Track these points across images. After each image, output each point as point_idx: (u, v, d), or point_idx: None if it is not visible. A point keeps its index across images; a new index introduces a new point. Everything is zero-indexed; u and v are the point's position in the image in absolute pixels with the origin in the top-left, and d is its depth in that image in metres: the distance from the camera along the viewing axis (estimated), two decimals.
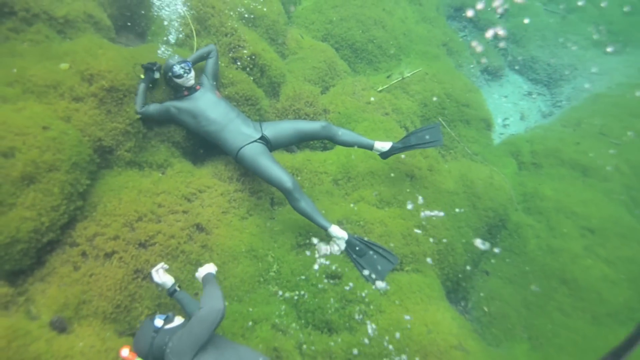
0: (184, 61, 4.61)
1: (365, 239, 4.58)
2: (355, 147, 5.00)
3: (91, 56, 4.34)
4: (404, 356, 3.95)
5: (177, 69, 4.56)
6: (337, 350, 3.95)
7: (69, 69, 4.27)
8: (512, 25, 10.37)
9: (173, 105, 4.67)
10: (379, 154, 5.02)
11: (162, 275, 3.56)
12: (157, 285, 3.63)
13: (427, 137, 4.91)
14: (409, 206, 4.99)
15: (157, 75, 4.67)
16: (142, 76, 4.62)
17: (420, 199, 5.05)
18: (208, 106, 4.69)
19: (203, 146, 5.14)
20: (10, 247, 3.40)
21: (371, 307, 4.23)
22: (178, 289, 3.61)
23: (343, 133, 4.86)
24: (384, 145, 4.91)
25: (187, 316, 3.43)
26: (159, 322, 3.08)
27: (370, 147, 4.92)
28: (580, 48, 9.95)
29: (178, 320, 3.20)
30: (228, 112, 4.74)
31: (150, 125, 4.69)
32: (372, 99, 6.12)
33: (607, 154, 6.94)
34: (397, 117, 6.18)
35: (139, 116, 4.48)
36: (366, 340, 3.99)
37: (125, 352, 2.87)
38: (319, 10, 7.35)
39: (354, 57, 7.23)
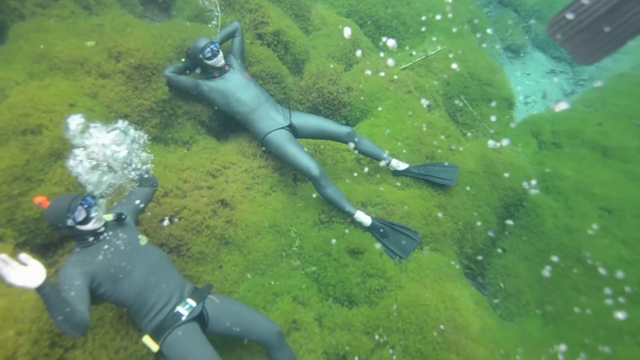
0: (212, 42, 4.52)
1: (389, 220, 4.56)
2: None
3: (119, 34, 4.28)
4: (441, 326, 3.98)
5: (207, 50, 4.49)
6: (356, 323, 3.94)
7: (95, 46, 4.23)
8: (537, 1, 10.05)
9: (206, 83, 4.62)
10: (392, 170, 4.98)
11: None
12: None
13: (443, 174, 4.93)
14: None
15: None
16: (183, 60, 4.62)
17: None
18: (238, 88, 4.64)
19: (229, 125, 5.09)
20: (40, 221, 3.44)
21: (391, 282, 4.22)
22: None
23: (364, 143, 4.80)
24: (399, 164, 4.90)
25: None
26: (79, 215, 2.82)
27: (387, 163, 4.89)
28: None
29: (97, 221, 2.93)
30: (258, 94, 4.69)
31: (180, 104, 4.64)
32: (395, 76, 5.98)
33: (629, 135, 6.76)
34: (420, 95, 6.03)
35: (166, 85, 4.45)
36: (394, 307, 4.00)
37: (39, 200, 2.80)
38: None
39: (378, 34, 7.05)
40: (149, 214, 3.86)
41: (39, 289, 2.44)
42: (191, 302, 3.21)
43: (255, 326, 3.32)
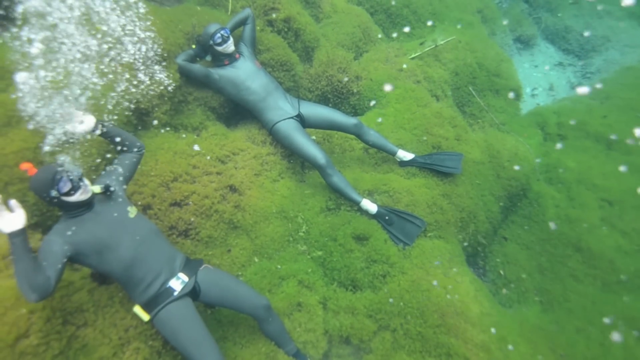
0: (222, 28, 4.47)
1: (395, 208, 4.56)
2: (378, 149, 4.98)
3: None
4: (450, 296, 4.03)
5: (217, 36, 4.44)
6: (359, 307, 3.97)
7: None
8: None
9: (216, 71, 4.59)
10: (398, 161, 4.96)
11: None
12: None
13: (448, 163, 4.91)
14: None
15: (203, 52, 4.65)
16: (193, 47, 4.58)
17: None
18: (248, 76, 4.61)
19: (239, 111, 5.06)
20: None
21: (394, 268, 4.23)
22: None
23: (371, 134, 4.78)
24: (406, 155, 4.88)
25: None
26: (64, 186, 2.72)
27: (393, 153, 4.87)
28: (614, 19, 9.46)
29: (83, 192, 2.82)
30: (268, 83, 4.67)
31: (190, 91, 4.61)
32: (404, 66, 5.91)
33: (633, 128, 6.69)
34: (429, 85, 5.96)
35: (177, 71, 4.41)
36: (391, 300, 4.01)
37: (25, 167, 2.75)
38: None
39: (388, 23, 6.94)
40: (158, 198, 3.87)
41: (11, 236, 2.49)
42: (183, 277, 3.17)
43: (242, 299, 3.31)
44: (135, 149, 3.31)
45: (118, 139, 3.20)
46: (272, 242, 4.27)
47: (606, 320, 4.54)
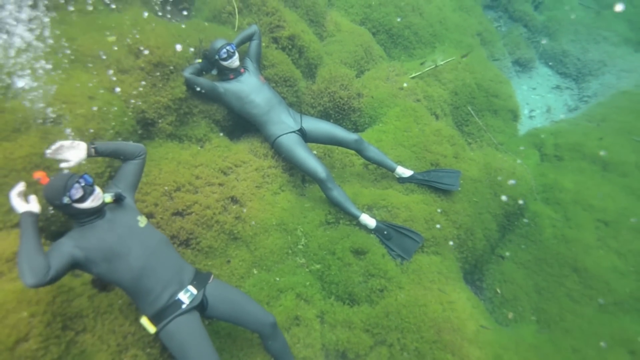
0: (229, 44, 4.54)
1: (393, 223, 4.58)
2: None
3: (139, 31, 4.30)
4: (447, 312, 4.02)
5: (223, 52, 4.51)
6: (356, 321, 3.97)
7: (116, 41, 4.24)
8: (546, 18, 10.02)
9: (222, 85, 4.65)
10: (397, 177, 5.00)
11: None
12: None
13: (446, 180, 4.95)
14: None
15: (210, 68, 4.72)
16: (200, 61, 4.64)
17: None
18: (252, 90, 4.67)
19: (242, 125, 5.10)
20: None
21: (392, 282, 4.23)
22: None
23: (371, 150, 4.83)
24: (405, 171, 4.92)
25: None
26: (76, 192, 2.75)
27: (392, 170, 4.90)
28: (611, 45, 9.58)
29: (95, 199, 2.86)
30: (271, 97, 4.73)
31: (195, 104, 4.66)
32: (404, 84, 5.98)
33: (629, 150, 6.74)
34: (428, 104, 6.02)
35: (184, 84, 4.47)
36: (385, 313, 4.00)
37: (38, 176, 2.77)
38: None
39: (390, 43, 7.04)
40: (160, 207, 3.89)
41: (23, 215, 2.62)
42: (192, 290, 3.12)
43: (250, 316, 3.26)
44: (136, 156, 3.26)
45: (115, 153, 3.18)
46: (271, 254, 4.27)
47: (602, 344, 4.55)
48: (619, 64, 9.24)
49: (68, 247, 2.75)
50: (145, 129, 4.26)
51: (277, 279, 4.08)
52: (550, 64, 9.68)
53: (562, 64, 9.54)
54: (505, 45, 9.24)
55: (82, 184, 2.78)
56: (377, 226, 4.50)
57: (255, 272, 4.17)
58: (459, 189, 4.98)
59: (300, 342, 3.74)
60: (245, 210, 4.34)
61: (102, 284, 3.40)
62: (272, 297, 3.94)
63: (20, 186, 2.73)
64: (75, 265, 2.77)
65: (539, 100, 8.99)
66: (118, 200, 3.03)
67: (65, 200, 2.72)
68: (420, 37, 7.17)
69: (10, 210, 3.22)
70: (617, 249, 5.47)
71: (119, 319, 3.25)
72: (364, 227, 4.54)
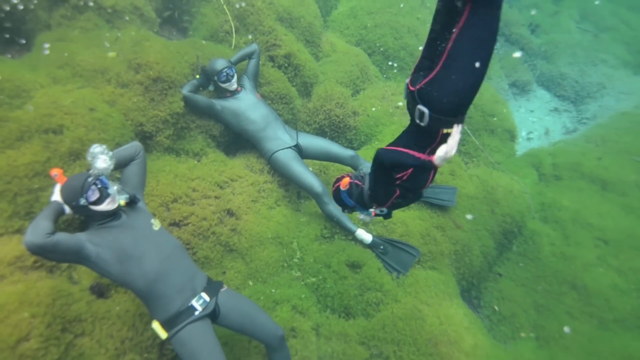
0: (229, 67, 4.78)
1: (390, 237, 4.75)
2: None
3: (139, 47, 4.60)
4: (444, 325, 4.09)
5: (223, 75, 4.76)
6: (352, 333, 4.10)
7: (116, 57, 4.53)
8: (544, 41, 10.39)
9: (219, 102, 4.88)
10: None
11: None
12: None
13: (443, 196, 5.18)
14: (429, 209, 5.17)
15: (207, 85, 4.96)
16: (197, 77, 4.87)
17: None
18: (249, 107, 4.90)
19: (238, 141, 5.31)
20: None
21: (388, 296, 4.38)
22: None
23: (368, 166, 4.95)
24: None
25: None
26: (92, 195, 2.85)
27: None
28: (609, 67, 9.90)
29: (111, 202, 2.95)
30: (268, 114, 4.96)
31: (193, 119, 4.89)
32: (400, 103, 6.22)
33: (628, 170, 6.96)
34: None
35: (182, 100, 4.68)
36: (381, 326, 4.14)
37: (55, 172, 2.89)
38: (354, 15, 7.43)
39: (385, 63, 7.34)
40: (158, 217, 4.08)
41: (54, 202, 2.84)
42: (205, 297, 3.16)
43: (260, 327, 3.33)
44: (135, 156, 3.33)
45: (117, 165, 3.22)
46: (266, 266, 4.44)
47: None
48: (618, 86, 9.54)
49: (81, 237, 2.86)
50: (143, 141, 4.48)
51: (273, 290, 4.24)
52: (546, 85, 9.99)
53: (560, 86, 9.85)
54: (502, 67, 9.56)
55: (99, 186, 2.88)
56: (373, 241, 4.67)
57: (250, 283, 4.33)
58: (455, 205, 5.17)
59: (297, 354, 3.86)
60: (240, 222, 4.53)
61: (100, 291, 3.57)
62: (267, 308, 4.08)
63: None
64: (82, 258, 2.86)
65: (537, 123, 9.26)
66: (132, 202, 3.14)
67: (82, 201, 2.82)
68: (416, 58, 7.40)
69: (12, 216, 3.46)
70: (617, 267, 5.58)
71: (117, 324, 3.41)
72: (360, 242, 4.71)
